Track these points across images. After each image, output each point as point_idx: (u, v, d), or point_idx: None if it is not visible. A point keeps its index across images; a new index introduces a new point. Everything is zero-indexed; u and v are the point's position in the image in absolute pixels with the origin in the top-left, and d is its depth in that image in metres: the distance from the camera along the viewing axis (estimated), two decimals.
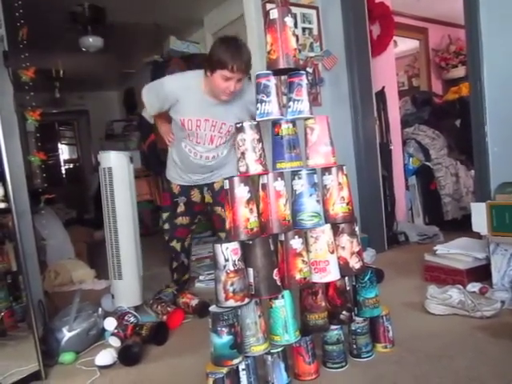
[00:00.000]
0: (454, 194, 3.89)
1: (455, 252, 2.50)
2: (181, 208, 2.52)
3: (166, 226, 2.56)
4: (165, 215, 2.57)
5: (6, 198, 1.81)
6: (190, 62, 4.39)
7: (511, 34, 2.41)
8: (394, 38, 4.13)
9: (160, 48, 4.70)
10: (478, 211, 2.27)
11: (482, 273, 2.35)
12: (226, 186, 1.50)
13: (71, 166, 8.21)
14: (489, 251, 2.28)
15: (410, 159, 4.09)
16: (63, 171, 8.14)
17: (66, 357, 1.96)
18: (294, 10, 3.18)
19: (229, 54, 1.99)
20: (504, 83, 2.47)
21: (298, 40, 3.14)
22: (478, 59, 2.54)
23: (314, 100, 3.31)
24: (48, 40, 4.00)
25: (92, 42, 4.16)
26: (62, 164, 8.14)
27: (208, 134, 2.29)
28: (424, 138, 4.08)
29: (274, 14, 1.52)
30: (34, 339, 1.78)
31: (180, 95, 2.21)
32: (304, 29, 3.33)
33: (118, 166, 2.38)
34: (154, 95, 2.32)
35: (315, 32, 3.38)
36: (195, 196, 2.52)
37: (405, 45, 5.28)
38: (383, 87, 3.64)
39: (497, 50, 2.48)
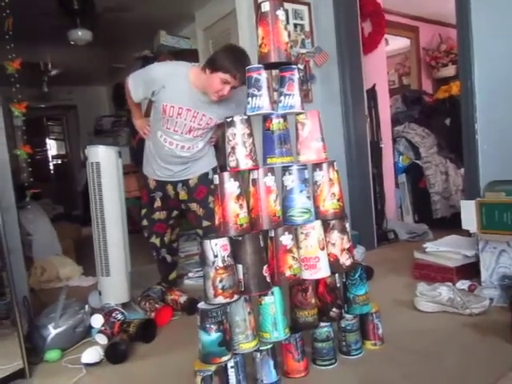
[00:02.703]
0: (443, 192, 3.90)
1: (444, 250, 2.51)
2: (157, 203, 2.52)
3: (145, 222, 2.57)
4: (143, 211, 2.57)
5: None
6: (179, 57, 4.35)
7: (502, 33, 2.42)
8: (386, 36, 4.14)
9: (150, 42, 4.65)
10: (468, 209, 2.27)
11: (471, 270, 2.36)
12: (216, 181, 1.48)
13: (59, 161, 8.12)
14: (478, 249, 2.29)
15: (400, 157, 4.10)
16: (51, 167, 8.05)
17: (52, 354, 1.92)
18: (286, 5, 3.08)
19: (237, 63, 2.03)
20: (494, 82, 2.47)
21: (289, 35, 3.12)
22: (469, 58, 2.54)
23: (305, 97, 3.30)
24: (35, 32, 3.93)
25: (81, 35, 4.09)
26: (50, 159, 8.05)
27: (188, 124, 2.29)
28: (414, 137, 4.09)
29: (266, 6, 1.50)
30: (18, 336, 1.74)
31: (167, 81, 2.21)
32: (296, 25, 3.32)
33: (106, 161, 2.34)
34: (140, 80, 2.32)
35: (307, 28, 3.37)
36: (169, 191, 2.52)
37: (396, 43, 5.30)
38: (374, 85, 3.64)
39: (488, 49, 2.49)
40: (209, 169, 2.48)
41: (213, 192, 1.87)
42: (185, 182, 2.48)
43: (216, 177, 1.48)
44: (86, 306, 2.19)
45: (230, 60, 2.05)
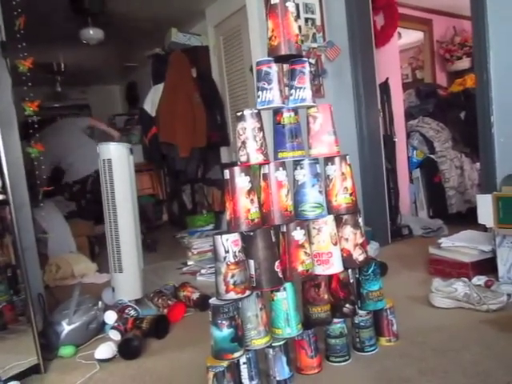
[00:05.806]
0: (458, 186, 3.84)
1: (460, 245, 2.46)
2: None
3: None
4: None
5: (3, 190, 1.79)
6: (191, 54, 4.35)
7: None
8: (398, 29, 4.08)
9: (161, 40, 4.66)
10: (484, 203, 2.23)
11: (487, 266, 2.31)
12: (227, 176, 1.47)
13: None
14: (495, 244, 2.24)
15: (414, 152, 4.05)
16: None
17: (66, 350, 1.94)
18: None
19: None
20: (510, 74, 2.42)
21: (300, 29, 3.09)
22: (485, 49, 2.49)
23: (317, 91, 3.26)
24: (48, 32, 3.97)
25: (92, 34, 4.11)
26: None
27: None
28: (428, 131, 4.02)
29: None
30: (32, 333, 1.76)
31: None
32: (307, 19, 3.28)
33: (117, 158, 2.35)
34: None
35: (318, 22, 3.32)
36: None
37: (409, 37, 5.22)
38: (387, 78, 3.59)
39: (503, 41, 2.44)
40: None
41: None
42: None
43: (226, 171, 1.47)
44: (100, 303, 2.21)
45: None
